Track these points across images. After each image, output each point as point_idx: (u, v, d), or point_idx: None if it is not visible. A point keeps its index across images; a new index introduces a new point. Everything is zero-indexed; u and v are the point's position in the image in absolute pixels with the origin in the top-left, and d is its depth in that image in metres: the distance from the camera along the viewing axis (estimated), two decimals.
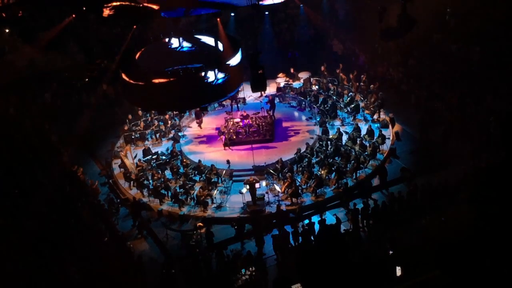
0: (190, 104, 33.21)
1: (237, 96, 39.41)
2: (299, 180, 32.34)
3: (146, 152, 36.09)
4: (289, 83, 41.34)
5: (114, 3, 28.71)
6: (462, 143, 32.93)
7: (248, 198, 31.69)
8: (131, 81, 31.49)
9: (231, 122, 37.22)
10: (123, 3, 28.68)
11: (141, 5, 28.85)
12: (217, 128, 37.90)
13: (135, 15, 29.98)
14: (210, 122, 39.27)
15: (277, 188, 32.08)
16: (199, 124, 38.67)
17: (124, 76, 31.72)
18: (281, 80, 41.49)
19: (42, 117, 35.77)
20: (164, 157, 35.51)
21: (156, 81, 30.98)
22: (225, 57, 31.99)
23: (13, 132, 32.78)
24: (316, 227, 28.52)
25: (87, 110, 37.30)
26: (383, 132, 35.36)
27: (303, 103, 39.98)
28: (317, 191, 31.82)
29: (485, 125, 32.74)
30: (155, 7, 28.66)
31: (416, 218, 27.61)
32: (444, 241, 24.20)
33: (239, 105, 39.93)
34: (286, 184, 31.90)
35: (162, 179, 33.38)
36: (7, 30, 36.22)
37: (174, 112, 38.89)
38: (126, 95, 34.16)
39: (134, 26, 32.93)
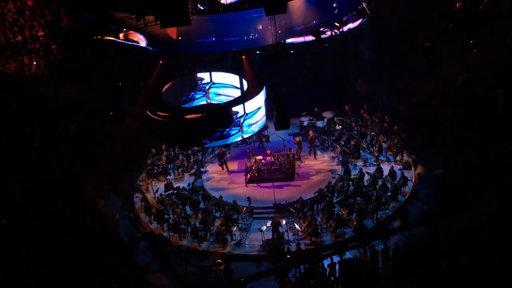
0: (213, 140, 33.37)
1: (262, 134, 39.51)
2: (319, 219, 32.24)
3: (168, 186, 36.23)
4: (313, 122, 41.38)
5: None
6: (485, 185, 32.62)
7: (268, 236, 31.63)
8: (156, 116, 31.81)
9: (254, 160, 37.27)
10: None
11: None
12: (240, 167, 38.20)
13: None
14: (232, 159, 39.35)
15: (297, 226, 31.98)
16: (222, 165, 38.66)
17: (149, 111, 32.06)
18: (305, 119, 41.58)
19: (66, 148, 36.00)
20: (185, 192, 35.61)
21: (180, 117, 31.34)
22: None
23: (37, 163, 33.02)
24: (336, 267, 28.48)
25: (110, 143, 37.50)
26: (406, 173, 35.19)
27: (326, 142, 39.99)
28: (337, 231, 31.68)
29: (510, 167, 32.43)
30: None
31: (437, 260, 27.33)
32: (465, 284, 24.03)
33: (263, 143, 40.01)
34: (306, 223, 31.80)
35: (183, 214, 33.42)
36: (34, 62, 36.67)
37: (197, 148, 39.04)
38: (150, 129, 34.42)
39: (161, 61, 33.33)
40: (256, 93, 32.70)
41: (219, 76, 35.92)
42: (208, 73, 35.90)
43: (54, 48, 35.57)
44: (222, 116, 31.82)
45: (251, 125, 33.12)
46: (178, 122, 31.63)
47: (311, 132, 38.82)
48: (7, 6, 37.51)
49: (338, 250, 30.26)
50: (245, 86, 34.00)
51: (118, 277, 27.69)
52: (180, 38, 28.47)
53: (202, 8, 29.01)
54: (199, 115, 31.48)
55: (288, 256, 30.00)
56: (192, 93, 35.91)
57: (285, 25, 29.25)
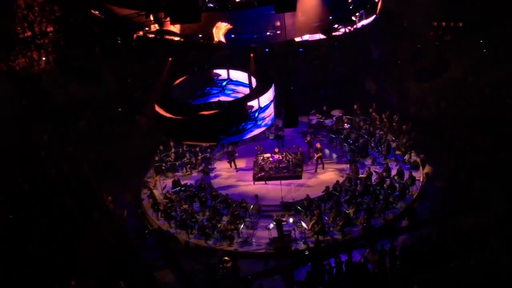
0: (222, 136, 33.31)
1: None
2: (326, 218, 32.19)
3: (176, 183, 36.24)
4: (322, 120, 41.26)
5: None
6: (493, 186, 32.51)
7: (275, 233, 31.61)
8: (165, 114, 31.79)
9: (262, 157, 37.24)
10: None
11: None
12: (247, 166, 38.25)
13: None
14: (240, 156, 39.31)
15: (304, 225, 31.94)
16: (230, 163, 38.64)
17: (157, 108, 32.04)
18: (314, 117, 41.47)
19: (75, 145, 36.07)
20: (193, 189, 35.59)
21: (194, 113, 31.40)
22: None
23: (44, 159, 33.11)
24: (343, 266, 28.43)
25: (119, 140, 37.53)
26: (414, 173, 35.10)
27: (334, 141, 39.92)
28: (344, 229, 31.63)
29: None
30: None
31: (444, 260, 27.27)
32: (473, 285, 23.97)
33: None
34: (313, 222, 31.76)
35: (190, 211, 33.41)
36: (43, 58, 36.74)
37: (206, 145, 38.94)
38: (159, 127, 34.40)
39: (170, 59, 33.25)
40: (265, 90, 32.62)
41: (237, 74, 35.72)
42: (225, 70, 35.74)
43: (63, 44, 35.65)
44: (238, 110, 31.82)
45: (265, 118, 33.06)
46: (193, 118, 31.60)
47: (318, 145, 38.02)
48: (17, 2, 37.62)
49: (345, 249, 30.18)
50: (254, 84, 33.92)
51: (125, 274, 27.77)
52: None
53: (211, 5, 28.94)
54: (215, 111, 31.44)
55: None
56: (207, 89, 35.84)
57: (301, 22, 29.18)
